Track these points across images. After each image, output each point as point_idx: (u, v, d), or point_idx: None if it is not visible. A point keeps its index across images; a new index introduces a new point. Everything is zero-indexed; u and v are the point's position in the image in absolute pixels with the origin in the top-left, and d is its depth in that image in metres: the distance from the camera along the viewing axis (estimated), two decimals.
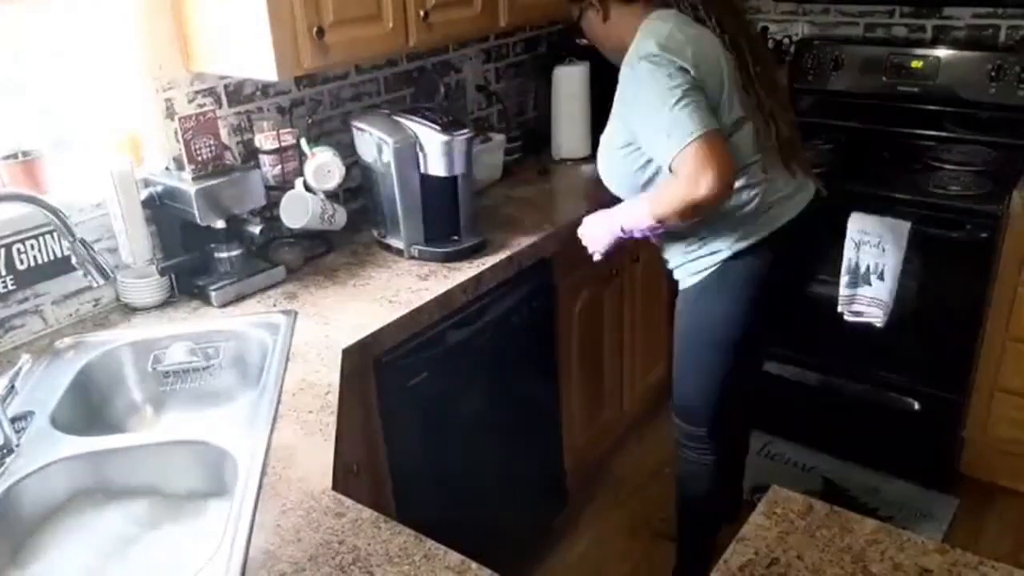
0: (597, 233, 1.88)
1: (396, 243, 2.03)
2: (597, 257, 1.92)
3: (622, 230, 1.79)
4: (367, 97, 2.30)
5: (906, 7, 2.74)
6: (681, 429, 2.02)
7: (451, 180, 1.98)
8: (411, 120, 1.95)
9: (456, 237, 2.02)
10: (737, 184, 1.66)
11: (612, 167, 1.81)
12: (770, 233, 1.75)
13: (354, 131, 2.03)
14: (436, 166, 1.94)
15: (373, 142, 1.96)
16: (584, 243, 1.93)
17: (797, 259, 1.87)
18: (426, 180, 1.97)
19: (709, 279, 1.80)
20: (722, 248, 1.76)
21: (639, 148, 1.71)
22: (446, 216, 2.01)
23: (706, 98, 1.61)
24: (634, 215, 1.75)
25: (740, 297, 1.78)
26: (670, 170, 1.61)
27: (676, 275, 1.89)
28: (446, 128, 1.91)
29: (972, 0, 2.61)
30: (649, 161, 1.71)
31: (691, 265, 1.82)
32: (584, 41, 1.99)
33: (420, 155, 1.94)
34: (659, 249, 1.90)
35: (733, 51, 1.70)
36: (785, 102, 1.81)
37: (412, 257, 2.01)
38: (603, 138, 1.82)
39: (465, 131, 1.94)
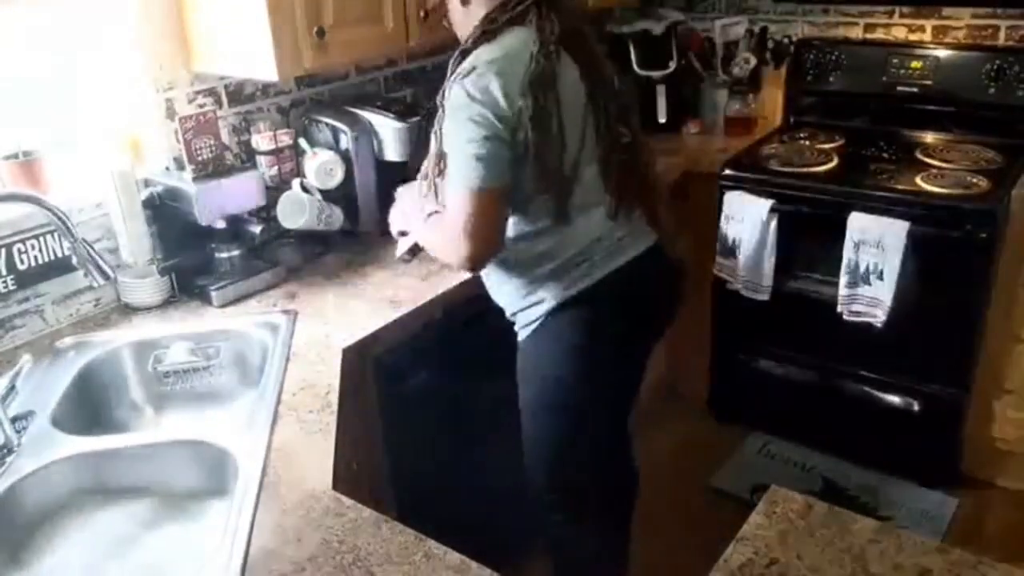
0: (396, 221, 1.79)
1: (354, 228, 2.10)
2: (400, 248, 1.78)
3: (406, 226, 1.75)
4: (367, 97, 2.30)
5: (906, 7, 2.74)
6: (540, 511, 1.84)
7: (402, 166, 2.04)
8: (365, 110, 2.04)
9: None
10: (556, 234, 1.57)
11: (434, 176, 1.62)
12: (594, 283, 1.60)
13: (311, 126, 2.07)
14: (392, 152, 2.02)
15: (330, 133, 2.03)
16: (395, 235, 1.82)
17: (640, 314, 1.70)
18: (380, 167, 2.05)
19: (539, 332, 1.64)
20: (545, 299, 1.61)
21: None
22: None
23: (518, 145, 1.45)
24: (412, 224, 1.71)
25: (573, 351, 1.62)
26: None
27: (517, 326, 1.71)
28: (400, 115, 2.01)
29: (972, 0, 2.61)
30: None
31: (522, 315, 1.67)
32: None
33: (375, 142, 2.02)
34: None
35: (587, 97, 1.54)
36: (638, 146, 1.66)
37: (369, 241, 2.08)
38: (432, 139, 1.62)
39: (416, 118, 2.03)
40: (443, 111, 1.50)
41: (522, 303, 1.66)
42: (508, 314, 1.71)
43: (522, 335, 1.69)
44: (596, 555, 1.89)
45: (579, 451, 1.72)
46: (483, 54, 1.47)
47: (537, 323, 1.64)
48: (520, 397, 1.73)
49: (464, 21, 1.57)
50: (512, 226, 1.57)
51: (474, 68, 1.44)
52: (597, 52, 1.62)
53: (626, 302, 1.65)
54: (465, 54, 1.51)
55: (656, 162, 1.79)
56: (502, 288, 1.68)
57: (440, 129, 1.51)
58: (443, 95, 1.51)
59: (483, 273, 1.68)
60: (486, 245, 1.50)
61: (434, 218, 1.61)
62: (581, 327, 1.61)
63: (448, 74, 1.52)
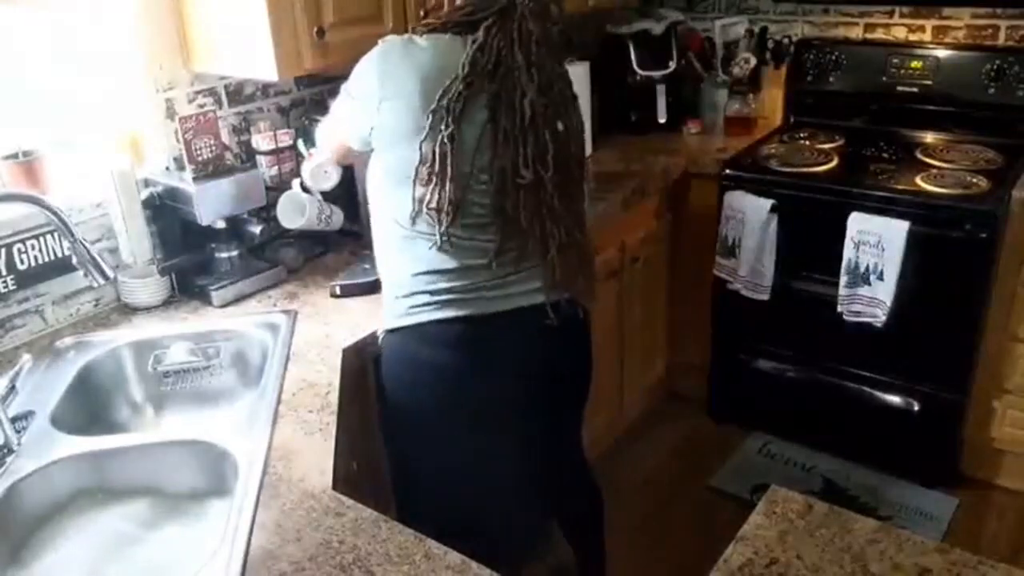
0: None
1: (355, 227, 2.07)
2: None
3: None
4: None
5: (906, 7, 2.74)
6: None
7: None
8: None
9: None
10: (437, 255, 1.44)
11: None
12: (458, 316, 1.46)
13: (312, 126, 2.05)
14: None
15: None
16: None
17: (507, 372, 1.53)
18: None
19: (389, 339, 1.55)
20: (416, 310, 1.48)
21: None
22: None
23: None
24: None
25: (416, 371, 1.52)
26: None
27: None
28: None
29: (972, 0, 2.62)
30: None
31: (389, 309, 1.55)
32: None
33: None
34: None
35: (492, 134, 1.40)
36: (541, 185, 1.44)
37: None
38: None
39: None
40: None
41: (391, 296, 1.54)
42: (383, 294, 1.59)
43: (386, 324, 1.56)
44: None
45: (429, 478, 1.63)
46: (418, 40, 1.41)
47: (402, 323, 1.51)
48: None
49: None
50: (399, 228, 1.47)
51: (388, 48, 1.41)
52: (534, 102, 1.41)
53: (495, 356, 1.51)
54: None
55: (586, 227, 1.61)
56: (384, 273, 1.57)
57: None
58: None
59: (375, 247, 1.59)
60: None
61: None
62: (427, 356, 1.50)
63: None
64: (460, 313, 1.46)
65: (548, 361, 1.58)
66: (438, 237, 1.43)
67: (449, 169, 1.38)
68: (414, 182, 1.40)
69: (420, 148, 1.38)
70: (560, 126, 1.47)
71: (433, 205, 1.40)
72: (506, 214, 1.43)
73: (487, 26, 1.38)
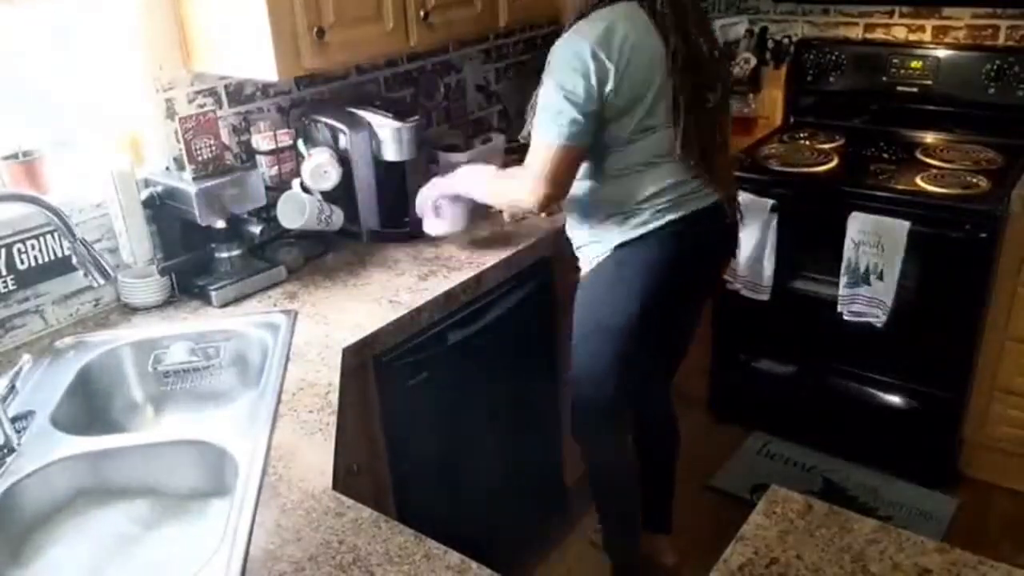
0: (428, 191, 1.98)
1: (354, 228, 2.10)
2: (426, 224, 2.01)
3: (453, 189, 1.92)
4: (367, 97, 2.30)
5: (906, 7, 2.74)
6: (580, 423, 2.02)
7: (400, 167, 2.06)
8: (364, 110, 2.05)
9: (407, 219, 2.09)
10: (632, 180, 1.73)
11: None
12: (658, 227, 1.75)
13: (311, 126, 2.07)
14: (390, 151, 2.03)
15: (329, 133, 2.04)
16: (420, 214, 2.02)
17: (694, 262, 1.85)
18: (380, 167, 2.06)
19: (603, 266, 1.81)
20: (612, 237, 1.78)
21: None
22: (397, 201, 2.09)
23: (608, 108, 1.64)
24: (471, 182, 1.90)
25: (631, 284, 1.79)
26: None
27: (579, 258, 1.89)
28: (399, 115, 2.03)
29: (972, 0, 2.62)
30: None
31: (588, 250, 1.84)
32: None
33: (375, 142, 2.03)
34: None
35: (670, 63, 1.67)
36: (717, 121, 1.81)
37: (368, 240, 2.11)
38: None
39: (415, 118, 2.05)
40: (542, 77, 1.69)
41: (588, 239, 1.83)
42: (575, 247, 1.89)
43: (584, 269, 1.87)
44: (629, 475, 2.09)
45: (624, 375, 1.88)
46: (580, 26, 1.64)
47: (598, 260, 1.81)
48: (575, 323, 1.89)
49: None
50: (587, 171, 1.75)
51: (576, 37, 1.63)
52: (691, 29, 1.71)
53: (683, 249, 1.78)
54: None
55: (730, 131, 1.98)
56: (574, 225, 1.86)
57: (537, 92, 1.70)
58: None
59: (564, 211, 1.88)
60: (558, 191, 1.70)
61: (510, 168, 1.85)
62: (638, 266, 1.77)
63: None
64: (679, 214, 1.76)
65: (720, 252, 1.99)
66: (624, 162, 1.72)
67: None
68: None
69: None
70: (716, 54, 1.81)
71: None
72: (687, 135, 1.72)
73: None
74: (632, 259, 1.77)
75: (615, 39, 1.61)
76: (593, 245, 1.82)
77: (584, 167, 1.74)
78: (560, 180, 1.68)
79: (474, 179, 1.90)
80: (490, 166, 1.96)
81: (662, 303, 1.81)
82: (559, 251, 2.15)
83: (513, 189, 1.78)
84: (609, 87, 1.61)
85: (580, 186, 1.76)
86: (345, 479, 1.29)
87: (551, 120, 1.64)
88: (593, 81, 1.60)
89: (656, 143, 1.71)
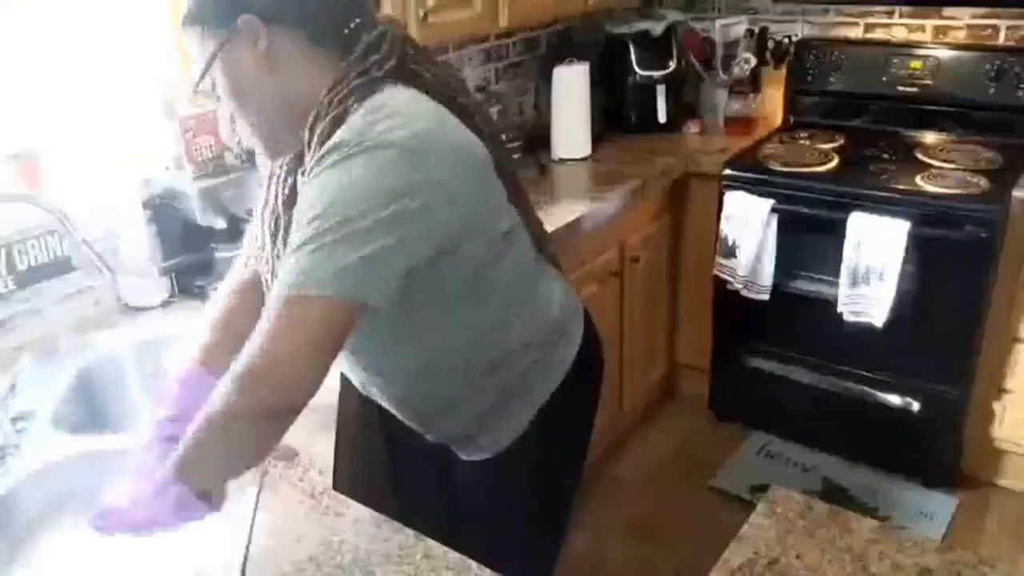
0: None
1: None
2: None
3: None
4: None
5: (906, 7, 2.74)
6: None
7: None
8: None
9: None
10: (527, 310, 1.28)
11: None
12: (571, 365, 1.34)
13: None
14: None
15: None
16: None
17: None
18: None
19: (520, 444, 1.32)
20: (530, 401, 1.31)
21: None
22: None
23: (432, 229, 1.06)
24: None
25: (574, 434, 1.43)
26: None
27: (467, 448, 1.36)
28: None
29: (972, 0, 2.61)
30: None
31: (490, 435, 1.33)
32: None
33: None
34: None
35: (490, 146, 1.17)
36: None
37: None
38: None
39: None
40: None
41: (493, 419, 1.31)
42: (462, 435, 1.35)
43: (488, 453, 1.34)
44: None
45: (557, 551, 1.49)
46: (383, 117, 1.03)
47: (517, 436, 1.31)
48: (490, 519, 1.41)
49: (273, 87, 1.11)
50: (460, 316, 1.21)
51: (381, 134, 1.02)
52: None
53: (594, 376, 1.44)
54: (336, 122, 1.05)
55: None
56: (454, 411, 1.31)
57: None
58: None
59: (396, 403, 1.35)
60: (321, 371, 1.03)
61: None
62: (571, 423, 1.39)
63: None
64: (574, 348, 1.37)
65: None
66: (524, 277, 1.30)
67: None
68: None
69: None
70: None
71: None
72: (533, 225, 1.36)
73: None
74: (560, 421, 1.36)
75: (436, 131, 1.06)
76: (499, 425, 1.34)
77: None
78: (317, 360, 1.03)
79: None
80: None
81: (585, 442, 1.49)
82: (558, 251, 2.15)
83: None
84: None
85: None
86: (345, 479, 1.29)
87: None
88: None
89: (526, 249, 1.29)
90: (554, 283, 1.37)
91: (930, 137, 2.73)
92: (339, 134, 1.03)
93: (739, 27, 2.95)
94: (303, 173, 1.09)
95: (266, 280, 1.25)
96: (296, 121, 1.09)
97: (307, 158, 1.07)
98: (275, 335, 0.99)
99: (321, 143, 1.04)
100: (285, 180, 1.18)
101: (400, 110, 1.04)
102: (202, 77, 1.12)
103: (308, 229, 0.99)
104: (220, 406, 1.01)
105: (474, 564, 1.04)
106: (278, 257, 1.18)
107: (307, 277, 0.98)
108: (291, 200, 1.13)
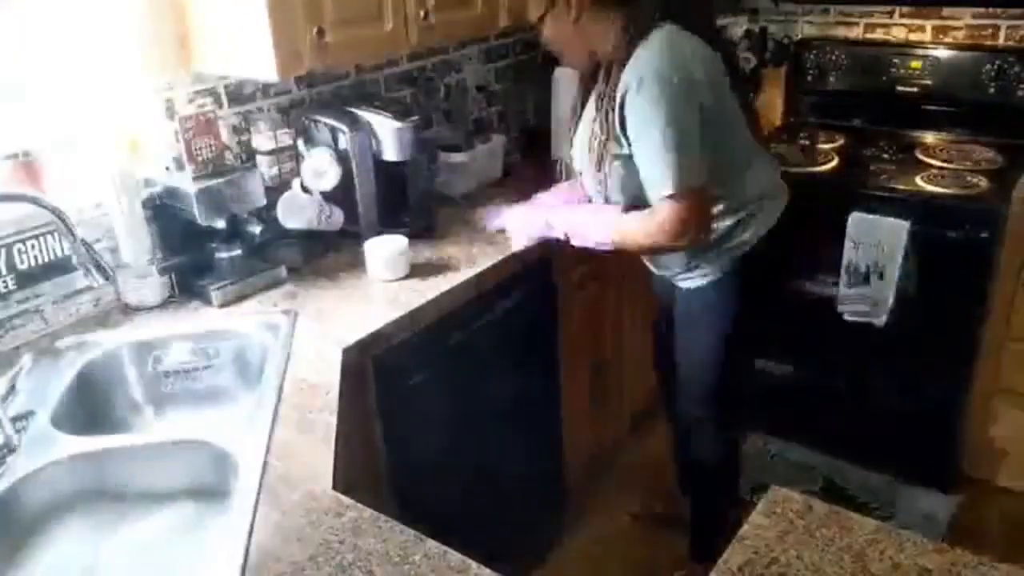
0: (529, 229, 1.93)
1: (354, 228, 2.09)
2: (517, 246, 1.97)
3: (566, 234, 1.84)
4: (367, 97, 2.30)
5: (906, 7, 2.74)
6: (697, 415, 2.12)
7: (401, 167, 2.06)
8: (364, 110, 2.05)
9: (407, 219, 2.09)
10: (736, 217, 1.80)
11: (613, 172, 1.73)
12: (753, 246, 1.84)
13: (311, 126, 2.07)
14: (390, 151, 2.02)
15: (329, 133, 2.02)
16: (508, 231, 1.97)
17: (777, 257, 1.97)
18: (380, 167, 2.06)
19: (698, 292, 1.89)
20: (708, 271, 1.85)
21: None
22: (397, 201, 2.11)
23: (714, 131, 1.64)
24: (593, 227, 1.80)
25: (728, 310, 1.90)
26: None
27: (678, 280, 1.93)
28: (399, 115, 2.02)
29: (972, 0, 2.61)
30: None
31: (683, 279, 1.90)
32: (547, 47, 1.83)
33: (375, 142, 2.02)
34: (650, 263, 1.98)
35: (729, 74, 1.73)
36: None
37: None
38: (593, 141, 1.74)
39: (415, 118, 2.05)
40: (632, 123, 1.62)
41: (685, 269, 1.87)
42: (675, 273, 1.92)
43: (696, 283, 1.89)
44: (728, 457, 2.25)
45: (727, 374, 2.01)
46: (648, 57, 1.60)
47: (699, 285, 1.88)
48: (682, 330, 2.01)
49: (575, 39, 1.72)
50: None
51: (654, 67, 1.58)
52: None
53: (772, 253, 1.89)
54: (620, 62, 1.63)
55: None
56: (669, 256, 1.87)
57: (638, 144, 1.63)
58: (608, 106, 1.65)
59: None
60: (705, 225, 1.70)
61: (635, 215, 1.73)
62: (737, 295, 1.87)
63: (605, 88, 1.67)
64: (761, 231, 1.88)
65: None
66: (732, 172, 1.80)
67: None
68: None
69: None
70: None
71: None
72: (756, 127, 1.90)
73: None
74: (729, 291, 1.89)
75: (687, 54, 1.61)
76: (690, 277, 1.89)
77: None
78: (708, 219, 1.71)
79: (596, 229, 1.79)
80: (610, 212, 1.79)
81: (750, 304, 1.98)
82: (559, 251, 2.15)
83: (658, 239, 1.69)
84: (709, 103, 1.61)
85: None
86: (345, 479, 1.29)
87: (679, 166, 1.58)
88: (696, 105, 1.59)
89: (760, 171, 1.84)
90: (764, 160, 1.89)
91: (930, 137, 2.73)
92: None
93: (739, 27, 2.95)
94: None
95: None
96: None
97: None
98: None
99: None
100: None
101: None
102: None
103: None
104: (640, 228, 1.71)
105: (474, 564, 1.04)
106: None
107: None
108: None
